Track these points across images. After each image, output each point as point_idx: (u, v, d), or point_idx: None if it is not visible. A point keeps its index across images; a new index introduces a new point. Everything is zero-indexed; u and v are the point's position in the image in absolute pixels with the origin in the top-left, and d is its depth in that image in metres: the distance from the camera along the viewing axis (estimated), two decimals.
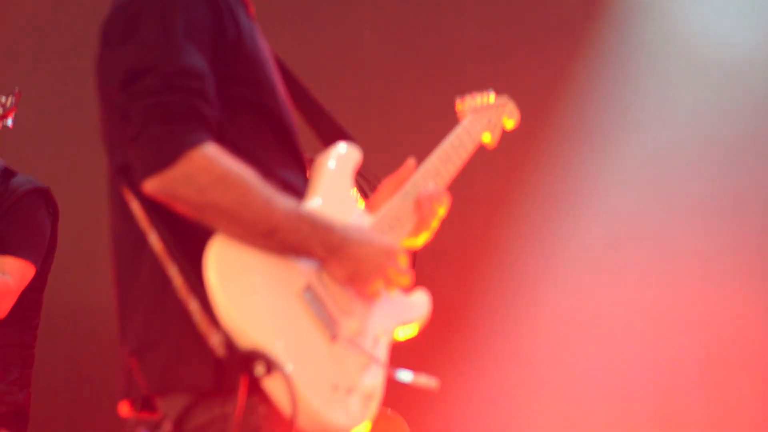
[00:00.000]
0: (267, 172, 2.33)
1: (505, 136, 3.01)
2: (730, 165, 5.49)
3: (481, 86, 3.19)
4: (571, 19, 5.72)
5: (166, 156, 2.20)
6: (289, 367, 2.20)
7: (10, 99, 4.10)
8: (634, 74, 5.61)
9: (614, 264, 5.51)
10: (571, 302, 5.51)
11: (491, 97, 3.17)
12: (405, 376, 2.43)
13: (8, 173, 4.24)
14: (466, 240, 5.57)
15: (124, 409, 2.43)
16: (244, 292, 2.24)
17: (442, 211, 2.69)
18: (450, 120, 3.04)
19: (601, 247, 5.54)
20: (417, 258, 2.83)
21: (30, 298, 4.18)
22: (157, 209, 2.31)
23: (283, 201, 2.30)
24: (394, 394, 2.73)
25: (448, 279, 5.42)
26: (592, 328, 5.47)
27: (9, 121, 4.10)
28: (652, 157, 5.55)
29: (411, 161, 2.75)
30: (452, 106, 3.13)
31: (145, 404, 2.40)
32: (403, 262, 2.49)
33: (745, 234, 5.44)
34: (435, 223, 2.68)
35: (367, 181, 2.85)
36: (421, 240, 2.72)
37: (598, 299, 5.49)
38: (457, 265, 5.56)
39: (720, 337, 5.39)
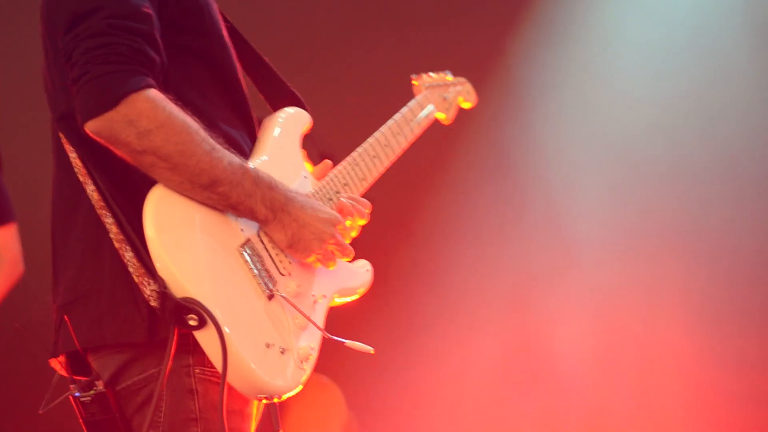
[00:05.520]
0: (210, 124, 2.29)
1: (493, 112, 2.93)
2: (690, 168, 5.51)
3: (437, 57, 3.16)
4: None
5: (108, 98, 2.15)
6: (222, 321, 2.16)
7: None
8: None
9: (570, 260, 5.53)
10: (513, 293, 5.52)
11: (448, 76, 3.16)
12: (341, 339, 2.40)
13: None
14: (416, 214, 5.57)
15: (56, 366, 2.39)
16: (181, 242, 2.20)
17: (362, 222, 2.55)
18: (405, 94, 3.01)
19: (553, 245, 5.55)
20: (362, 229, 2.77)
21: None
22: (95, 160, 2.27)
23: (226, 154, 2.25)
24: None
25: (391, 250, 5.39)
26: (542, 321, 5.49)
27: None
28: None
29: (327, 163, 2.62)
30: (407, 82, 3.10)
31: (77, 362, 2.35)
32: (345, 234, 2.46)
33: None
34: (355, 233, 2.55)
35: (316, 147, 2.78)
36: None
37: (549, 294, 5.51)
38: (403, 237, 5.54)
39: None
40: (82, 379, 2.34)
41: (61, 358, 2.36)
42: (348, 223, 2.50)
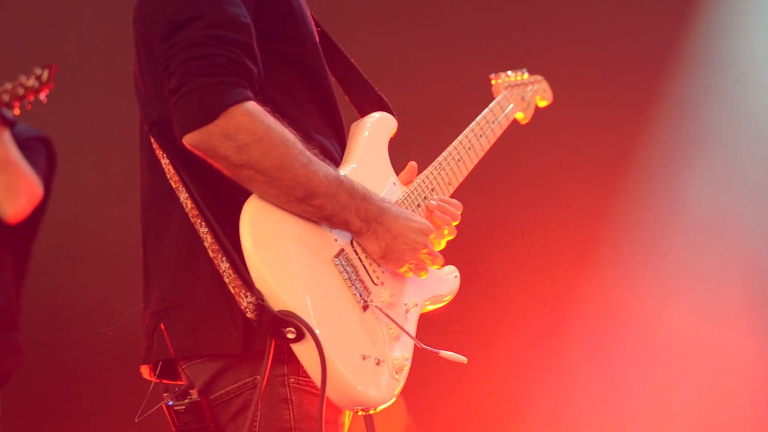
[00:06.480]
0: (305, 134, 2.27)
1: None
2: None
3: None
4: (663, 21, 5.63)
5: (207, 111, 2.13)
6: (320, 333, 2.15)
7: (45, 72, 4.04)
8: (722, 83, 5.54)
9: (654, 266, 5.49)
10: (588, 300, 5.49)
11: (525, 75, 3.13)
12: (435, 349, 2.38)
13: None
14: (503, 224, 5.56)
15: (145, 372, 2.39)
16: (278, 254, 2.19)
17: (454, 223, 2.51)
18: (486, 96, 2.99)
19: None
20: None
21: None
22: (188, 168, 2.26)
23: (322, 167, 2.23)
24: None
25: (475, 259, 5.38)
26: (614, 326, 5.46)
27: (42, 96, 4.11)
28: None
29: (413, 165, 2.59)
30: (488, 83, 3.08)
31: (168, 369, 2.35)
32: (436, 243, 2.44)
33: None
34: (450, 236, 2.53)
35: None
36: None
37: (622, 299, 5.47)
38: (487, 247, 5.53)
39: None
40: (173, 383, 2.34)
41: (152, 365, 2.37)
42: (445, 231, 2.49)
